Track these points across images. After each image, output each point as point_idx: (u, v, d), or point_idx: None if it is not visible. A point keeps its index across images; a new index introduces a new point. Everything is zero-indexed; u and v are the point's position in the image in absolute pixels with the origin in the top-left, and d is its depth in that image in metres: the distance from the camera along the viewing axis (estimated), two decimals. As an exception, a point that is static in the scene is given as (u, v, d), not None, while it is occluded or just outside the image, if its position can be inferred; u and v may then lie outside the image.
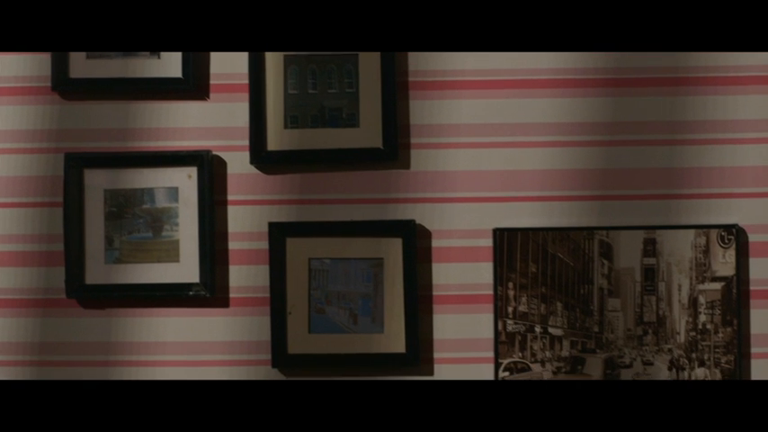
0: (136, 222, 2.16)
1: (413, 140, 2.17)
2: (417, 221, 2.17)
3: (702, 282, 2.17)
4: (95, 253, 2.16)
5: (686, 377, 2.17)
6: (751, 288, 2.18)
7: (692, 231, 2.16)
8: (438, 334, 2.18)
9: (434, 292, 2.18)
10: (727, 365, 2.17)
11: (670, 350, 2.17)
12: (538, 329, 2.17)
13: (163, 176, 2.16)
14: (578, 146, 2.16)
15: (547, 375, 2.17)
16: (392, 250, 2.16)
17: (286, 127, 2.16)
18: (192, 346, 2.17)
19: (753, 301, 2.18)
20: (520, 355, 2.17)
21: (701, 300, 2.17)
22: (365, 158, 2.16)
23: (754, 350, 2.18)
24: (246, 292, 2.18)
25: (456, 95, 2.16)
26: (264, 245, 2.17)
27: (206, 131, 2.17)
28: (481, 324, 2.17)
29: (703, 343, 2.17)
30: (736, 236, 2.16)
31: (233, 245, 2.18)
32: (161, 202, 2.16)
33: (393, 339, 2.17)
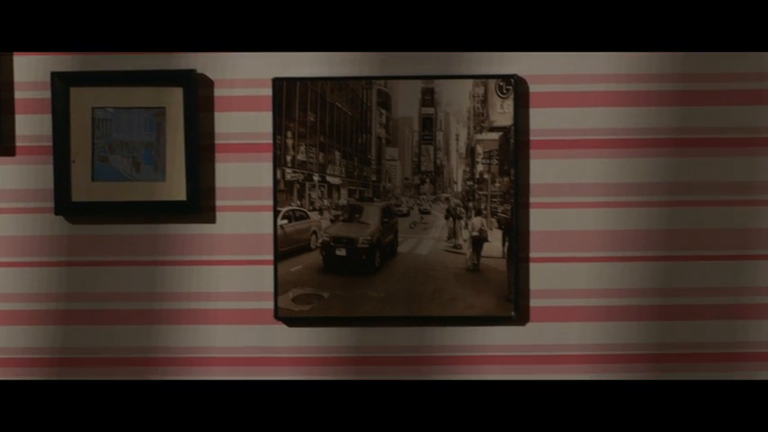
0: None
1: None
2: (199, 71, 2.20)
3: (480, 131, 2.18)
4: None
5: (463, 226, 2.19)
6: (530, 138, 2.19)
7: (470, 81, 2.18)
8: (220, 182, 2.21)
9: (216, 141, 2.21)
10: (503, 215, 2.19)
11: (447, 199, 2.19)
12: (316, 178, 2.20)
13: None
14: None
15: (325, 223, 2.19)
16: (174, 99, 2.19)
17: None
18: (-21, 194, 2.22)
19: (531, 152, 2.19)
20: (298, 203, 2.20)
21: (479, 149, 2.19)
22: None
23: (532, 200, 2.19)
24: (31, 141, 2.22)
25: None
26: (48, 94, 2.20)
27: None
28: (261, 172, 2.20)
29: (480, 192, 2.19)
30: (514, 86, 2.17)
31: (18, 94, 2.21)
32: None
33: (175, 187, 2.20)
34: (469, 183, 2.19)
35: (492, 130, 2.18)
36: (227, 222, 2.21)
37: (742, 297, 2.19)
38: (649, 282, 2.19)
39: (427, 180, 2.20)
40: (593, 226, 2.19)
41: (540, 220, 2.20)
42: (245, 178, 2.20)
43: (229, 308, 2.20)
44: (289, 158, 2.19)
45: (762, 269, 2.18)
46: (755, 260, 2.19)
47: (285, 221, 2.19)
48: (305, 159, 2.20)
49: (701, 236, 2.19)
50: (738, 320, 2.19)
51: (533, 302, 2.20)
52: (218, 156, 2.21)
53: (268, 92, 2.19)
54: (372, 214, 2.19)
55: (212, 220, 2.21)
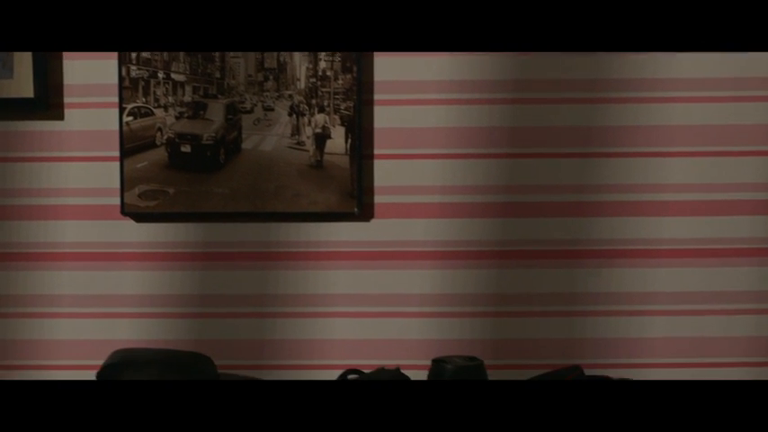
0: None
1: None
2: (45, -31, 2.21)
3: (323, 28, 2.19)
4: None
5: (306, 122, 2.21)
6: (373, 36, 2.20)
7: (313, -22, 2.18)
8: (68, 79, 2.23)
9: (63, 39, 2.22)
10: (346, 112, 2.20)
11: (290, 96, 2.21)
12: (161, 75, 2.22)
13: None
14: None
15: (170, 120, 2.22)
16: (20, -3, 2.21)
17: None
18: None
19: (374, 49, 2.20)
20: (143, 100, 2.22)
21: (322, 46, 2.20)
22: None
23: (376, 97, 2.21)
24: None
25: None
26: None
27: None
28: (108, 69, 2.22)
29: (323, 89, 2.21)
30: (356, -17, 2.17)
31: None
32: None
33: (23, 84, 2.22)
34: (312, 80, 2.20)
35: (335, 27, 2.19)
36: (75, 119, 2.23)
37: (581, 195, 2.21)
38: (493, 179, 2.21)
39: (270, 77, 2.21)
40: (437, 123, 2.20)
41: (384, 117, 2.21)
42: (91, 75, 2.22)
43: (78, 204, 2.23)
44: (134, 55, 2.21)
45: (606, 166, 2.20)
46: (597, 158, 2.20)
47: (131, 118, 2.22)
48: (149, 57, 2.21)
49: (543, 134, 2.20)
50: (579, 218, 2.21)
51: (378, 199, 2.22)
52: (65, 54, 2.22)
53: (113, -11, 2.20)
54: (217, 111, 2.21)
55: (60, 117, 2.24)
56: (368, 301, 2.22)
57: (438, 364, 2.00)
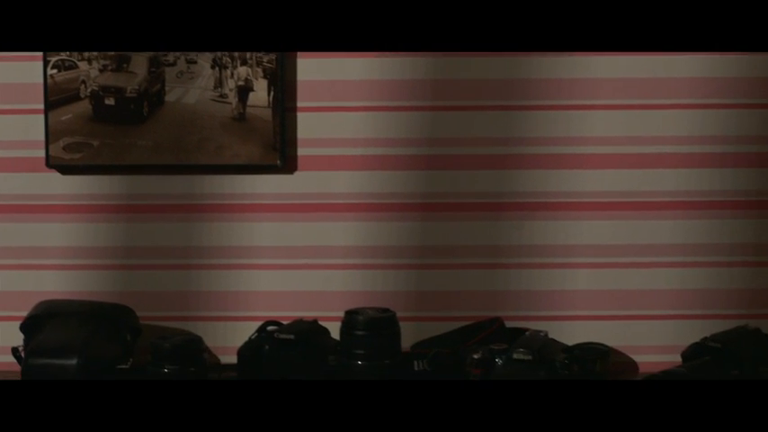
0: None
1: None
2: None
3: (245, -19, 2.19)
4: None
5: (229, 75, 2.21)
6: (295, -12, 2.20)
7: (235, -70, 2.18)
8: (-8, 33, 2.24)
9: (-12, -8, 2.23)
10: (269, 64, 2.21)
11: (213, 49, 2.22)
12: (84, 28, 2.22)
13: None
14: None
15: (93, 73, 2.23)
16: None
17: None
18: None
19: (297, 2, 2.20)
20: (67, 53, 2.23)
21: None
22: None
23: (299, 50, 2.22)
24: None
25: None
26: None
27: None
28: (32, 23, 2.23)
29: (245, 42, 2.21)
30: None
31: None
32: None
33: (-52, 38, 2.23)
34: (235, 32, 2.21)
35: (257, -21, 2.19)
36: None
37: (504, 148, 2.21)
38: (416, 132, 2.21)
39: (193, 30, 2.21)
40: (360, 76, 2.21)
41: (306, 70, 2.21)
42: (16, 28, 2.23)
43: (2, 156, 2.25)
44: (57, 8, 2.22)
45: (528, 119, 2.20)
46: (519, 111, 2.20)
47: (55, 71, 2.23)
48: (73, 9, 2.22)
49: (465, 86, 2.20)
50: (502, 171, 2.22)
51: (301, 151, 2.23)
52: (-10, 6, 2.23)
53: (37, -58, 2.21)
54: (140, 64, 2.22)
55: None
56: (290, 254, 2.24)
57: (350, 315, 2.01)
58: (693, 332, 2.12)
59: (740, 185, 2.21)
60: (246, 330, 2.14)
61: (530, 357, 1.97)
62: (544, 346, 2.01)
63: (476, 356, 2.01)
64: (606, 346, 2.17)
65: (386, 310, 2.02)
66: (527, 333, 2.06)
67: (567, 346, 2.17)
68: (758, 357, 1.97)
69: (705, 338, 2.03)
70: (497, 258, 2.23)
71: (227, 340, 2.19)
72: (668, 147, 2.20)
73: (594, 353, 2.18)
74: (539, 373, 1.95)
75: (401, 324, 2.07)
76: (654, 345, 2.21)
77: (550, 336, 2.11)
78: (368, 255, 2.23)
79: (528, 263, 2.23)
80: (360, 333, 1.98)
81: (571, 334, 2.20)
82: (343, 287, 2.23)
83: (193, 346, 2.02)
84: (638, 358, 2.23)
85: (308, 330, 2.07)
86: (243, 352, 2.08)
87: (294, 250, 2.24)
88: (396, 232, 2.23)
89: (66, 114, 2.23)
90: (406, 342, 2.15)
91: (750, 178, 2.21)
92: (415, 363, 2.10)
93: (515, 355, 1.97)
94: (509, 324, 2.20)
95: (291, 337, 2.04)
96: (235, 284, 2.24)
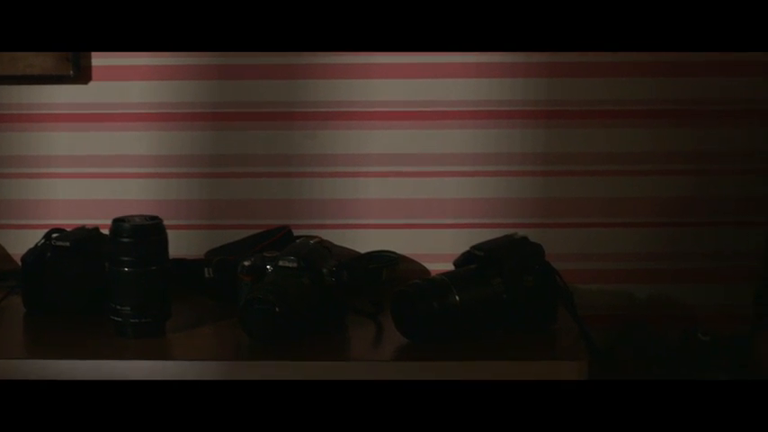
0: None
1: None
2: None
3: None
4: None
5: None
6: None
7: None
8: None
9: None
10: (59, -26, 2.22)
11: None
12: None
13: None
14: None
15: None
16: None
17: None
18: None
19: None
20: None
21: None
22: None
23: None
24: None
25: None
26: None
27: None
28: None
29: (35, -48, 2.22)
30: None
31: None
32: None
33: None
34: (24, -58, 2.21)
35: None
36: None
37: (294, 57, 2.23)
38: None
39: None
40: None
41: None
42: None
43: None
44: None
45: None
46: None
47: None
48: None
49: None
50: (293, 81, 2.24)
51: (95, 62, 2.25)
52: None
53: None
54: None
55: None
56: (86, 163, 2.27)
57: (117, 223, 2.03)
58: (474, 240, 2.14)
59: (529, 95, 2.22)
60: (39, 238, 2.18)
61: (295, 264, 1.99)
62: (311, 253, 2.03)
63: (246, 264, 2.03)
64: (396, 254, 2.21)
65: (154, 218, 2.04)
66: (297, 240, 2.09)
67: (360, 254, 2.21)
68: (521, 266, 1.98)
69: (473, 247, 2.04)
70: (289, 167, 2.26)
71: (19, 248, 2.23)
72: (454, 56, 2.20)
73: (383, 260, 2.22)
74: (303, 280, 1.97)
75: (195, 232, 2.11)
76: (440, 253, 2.23)
77: (345, 245, 2.15)
78: (163, 164, 2.27)
79: (319, 172, 2.26)
80: (125, 240, 2.00)
81: (363, 242, 2.24)
82: (137, 196, 2.27)
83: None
84: (429, 266, 2.26)
85: (86, 238, 2.10)
86: (26, 258, 2.12)
87: (89, 159, 2.27)
88: (189, 141, 2.26)
89: None
90: (200, 250, 2.20)
91: (540, 88, 2.22)
92: (205, 270, 2.14)
93: (281, 262, 1.99)
94: (297, 232, 2.23)
95: (67, 244, 2.07)
96: (33, 193, 2.28)
